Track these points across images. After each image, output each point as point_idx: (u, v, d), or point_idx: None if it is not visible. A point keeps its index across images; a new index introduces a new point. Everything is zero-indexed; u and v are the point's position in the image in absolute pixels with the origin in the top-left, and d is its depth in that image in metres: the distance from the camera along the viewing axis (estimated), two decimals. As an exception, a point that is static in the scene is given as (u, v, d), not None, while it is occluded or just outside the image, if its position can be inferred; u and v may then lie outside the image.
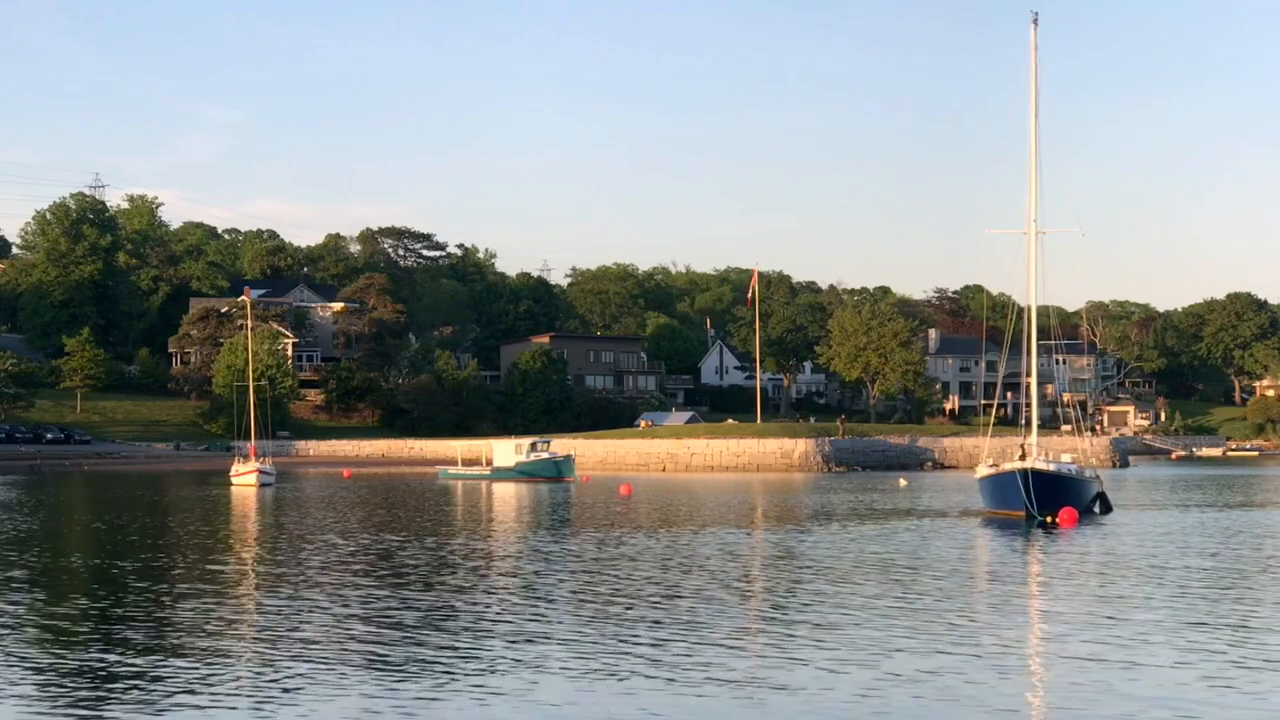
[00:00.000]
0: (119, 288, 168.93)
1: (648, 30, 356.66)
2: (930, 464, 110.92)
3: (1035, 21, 49.78)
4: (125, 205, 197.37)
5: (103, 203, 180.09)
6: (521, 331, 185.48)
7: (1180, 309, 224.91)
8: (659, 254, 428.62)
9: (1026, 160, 49.98)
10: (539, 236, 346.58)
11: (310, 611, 23.62)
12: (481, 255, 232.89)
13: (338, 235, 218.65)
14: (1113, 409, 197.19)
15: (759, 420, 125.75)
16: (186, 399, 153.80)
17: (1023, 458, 47.48)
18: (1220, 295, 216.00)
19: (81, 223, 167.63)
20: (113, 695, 16.59)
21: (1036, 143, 49.62)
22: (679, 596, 25.32)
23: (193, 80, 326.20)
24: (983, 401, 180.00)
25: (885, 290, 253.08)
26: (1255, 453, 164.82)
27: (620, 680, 17.33)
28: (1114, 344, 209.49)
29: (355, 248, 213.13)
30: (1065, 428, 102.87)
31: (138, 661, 18.82)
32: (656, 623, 22.00)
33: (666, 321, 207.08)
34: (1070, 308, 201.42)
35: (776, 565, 31.30)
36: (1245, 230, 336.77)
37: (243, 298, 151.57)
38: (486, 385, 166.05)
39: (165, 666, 18.42)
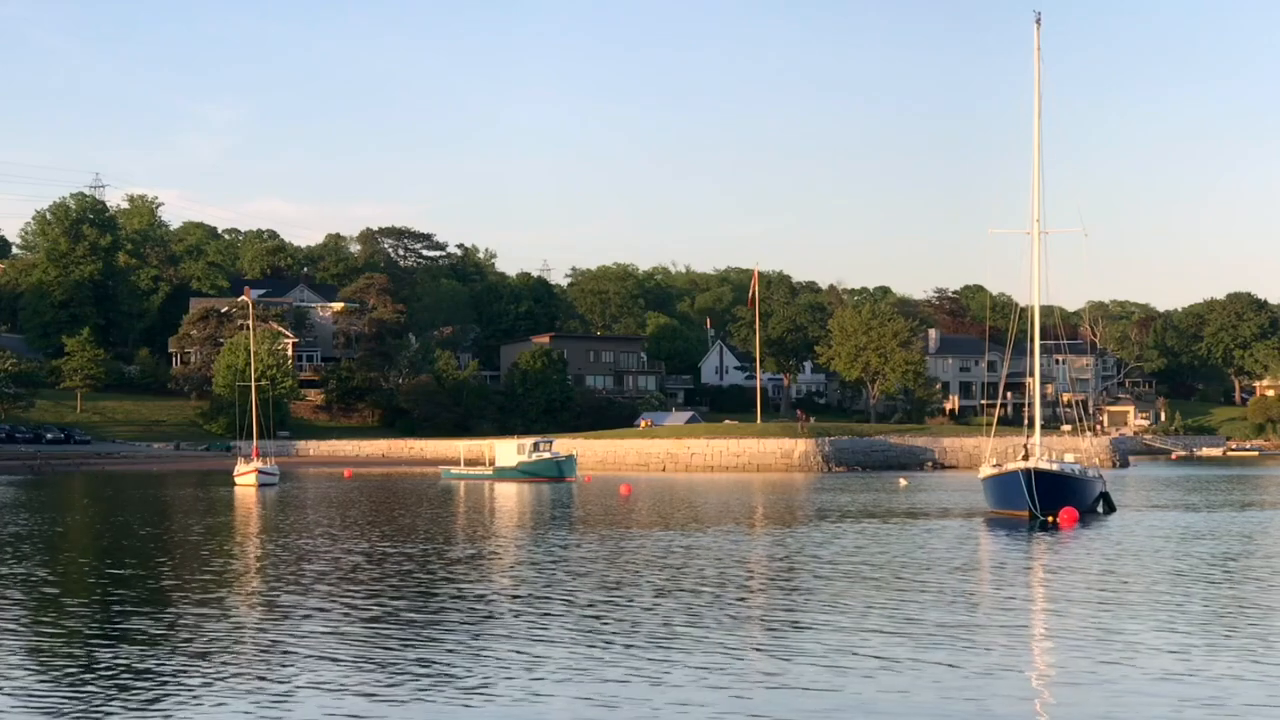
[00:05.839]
0: (119, 288, 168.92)
1: (648, 30, 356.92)
2: (930, 464, 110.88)
3: (1038, 21, 49.75)
4: (125, 205, 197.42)
5: (103, 203, 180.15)
6: (521, 331, 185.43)
7: (1180, 309, 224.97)
8: (659, 254, 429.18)
9: (1028, 160, 49.97)
10: (539, 236, 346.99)
11: (311, 612, 23.58)
12: (481, 255, 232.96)
13: (338, 235, 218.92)
14: (1113, 409, 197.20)
15: (759, 420, 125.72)
16: (186, 399, 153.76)
17: (1025, 457, 47.43)
18: (1220, 295, 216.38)
19: (81, 223, 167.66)
20: (111, 695, 16.55)
21: (1040, 143, 49.58)
22: (680, 597, 25.28)
23: (193, 80, 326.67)
24: (983, 401, 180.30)
25: (885, 290, 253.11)
26: (1255, 453, 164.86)
27: (620, 682, 17.29)
28: (1114, 344, 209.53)
29: (355, 248, 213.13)
30: (1065, 428, 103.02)
31: (136, 661, 18.78)
32: (657, 624, 21.96)
33: (666, 321, 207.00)
34: (1071, 308, 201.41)
35: (777, 566, 31.26)
36: (1246, 230, 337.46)
37: (243, 298, 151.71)
38: (486, 385, 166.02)
39: (164, 667, 18.39)
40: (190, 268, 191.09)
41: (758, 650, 19.49)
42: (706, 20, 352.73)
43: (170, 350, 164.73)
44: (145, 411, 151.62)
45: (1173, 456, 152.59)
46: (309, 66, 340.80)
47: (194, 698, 16.38)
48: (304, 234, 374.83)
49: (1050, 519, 43.90)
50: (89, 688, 17.00)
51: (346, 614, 23.28)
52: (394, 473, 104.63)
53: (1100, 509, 48.74)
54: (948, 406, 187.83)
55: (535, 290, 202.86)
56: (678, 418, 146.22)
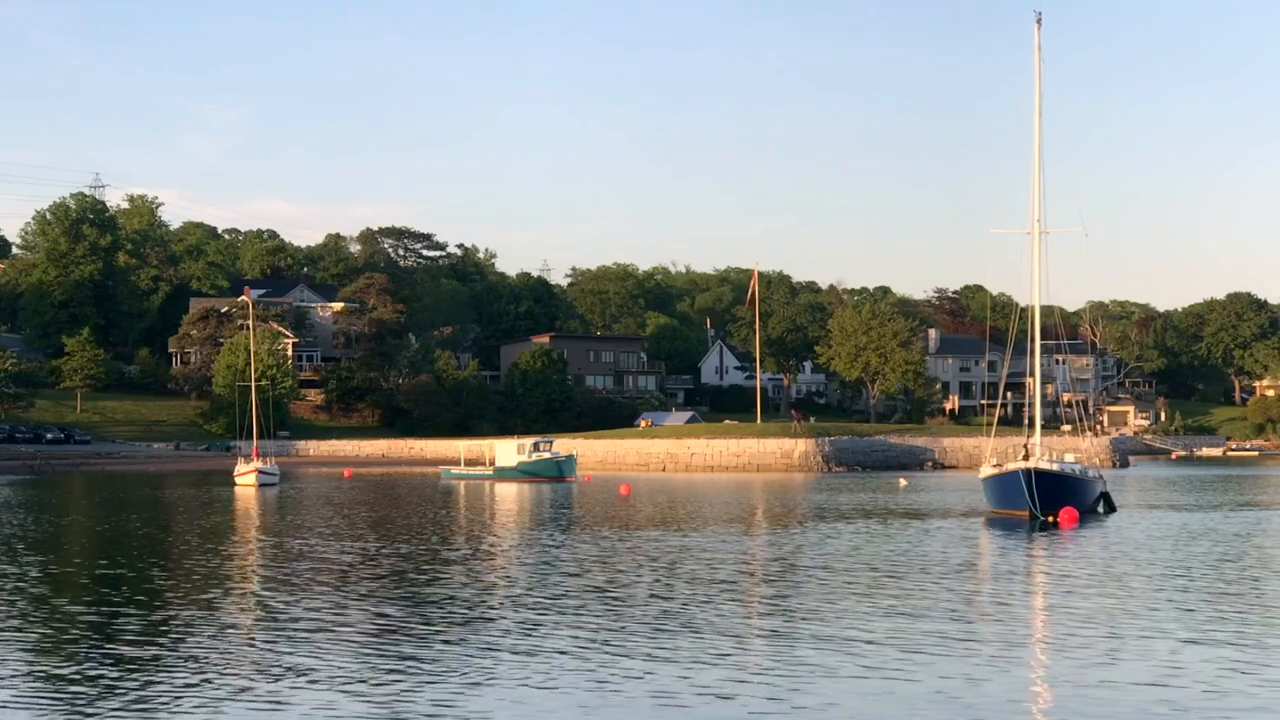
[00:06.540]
0: (119, 288, 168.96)
1: (648, 30, 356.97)
2: (930, 464, 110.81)
3: (1039, 21, 49.70)
4: (125, 205, 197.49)
5: (103, 203, 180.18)
6: (521, 331, 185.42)
7: (1180, 309, 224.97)
8: (659, 254, 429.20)
9: (1028, 160, 49.89)
10: (539, 236, 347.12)
11: (310, 613, 23.55)
12: (481, 255, 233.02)
13: (338, 235, 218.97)
14: (1113, 409, 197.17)
15: (759, 420, 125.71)
16: (186, 399, 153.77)
17: (1026, 457, 47.42)
18: (1220, 295, 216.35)
19: (81, 223, 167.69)
20: (103, 696, 16.52)
21: (1040, 143, 49.53)
22: (679, 598, 25.27)
23: (193, 80, 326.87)
24: (983, 401, 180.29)
25: (885, 290, 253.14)
26: (1255, 453, 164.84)
27: (613, 687, 17.28)
28: (1114, 344, 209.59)
29: (355, 248, 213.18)
30: (1065, 428, 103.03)
31: (129, 663, 18.76)
32: (653, 625, 21.94)
33: (666, 321, 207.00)
34: (1071, 308, 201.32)
35: (777, 566, 31.24)
36: (1246, 230, 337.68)
37: (243, 298, 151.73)
38: (486, 385, 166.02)
39: (157, 668, 18.37)
40: (190, 268, 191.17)
41: (753, 652, 19.47)
42: (706, 20, 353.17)
43: (170, 350, 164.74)
44: (145, 411, 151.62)
45: (1173, 457, 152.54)
46: (309, 66, 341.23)
47: (186, 700, 16.36)
48: (304, 234, 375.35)
49: (1050, 519, 43.88)
50: (78, 688, 16.97)
51: (344, 615, 23.26)
52: (394, 473, 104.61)
53: (1100, 509, 48.73)
54: (948, 406, 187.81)
55: (535, 290, 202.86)
56: (678, 418, 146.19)
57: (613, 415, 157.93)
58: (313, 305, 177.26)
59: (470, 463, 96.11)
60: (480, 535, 40.88)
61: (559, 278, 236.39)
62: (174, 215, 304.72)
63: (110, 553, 35.83)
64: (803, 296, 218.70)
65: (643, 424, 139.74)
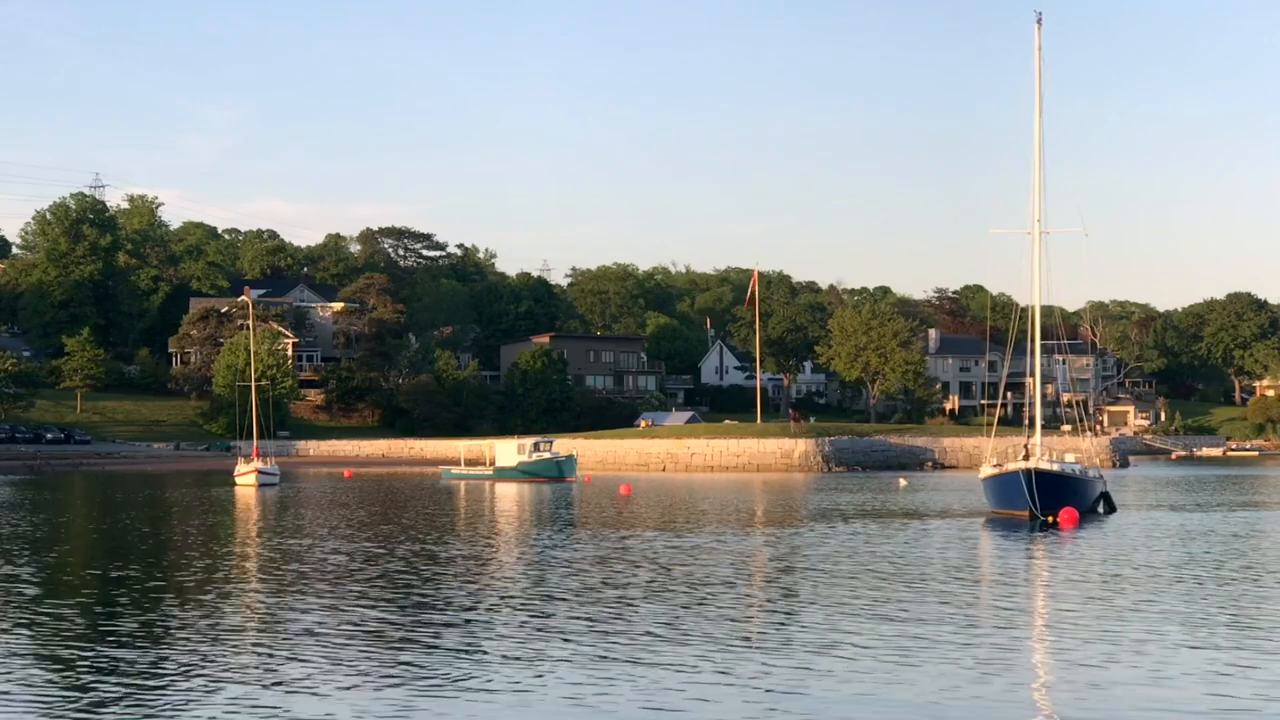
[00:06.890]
0: (119, 288, 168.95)
1: (648, 30, 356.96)
2: (930, 464, 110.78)
3: (1039, 21, 49.68)
4: (125, 205, 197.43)
5: (103, 203, 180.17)
6: (521, 331, 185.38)
7: (1180, 309, 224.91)
8: (659, 254, 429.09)
9: (1028, 160, 49.87)
10: (539, 236, 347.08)
11: (309, 613, 23.52)
12: (481, 255, 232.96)
13: (338, 235, 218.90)
14: (1113, 409, 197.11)
15: (759, 420, 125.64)
16: (186, 399, 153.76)
17: (1026, 457, 47.42)
18: (1220, 295, 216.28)
19: (81, 223, 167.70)
20: (101, 697, 16.50)
21: (1041, 143, 49.50)
22: (677, 600, 25.24)
23: (193, 80, 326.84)
24: (983, 401, 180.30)
25: (885, 290, 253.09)
26: (1255, 453, 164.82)
27: (613, 688, 17.26)
28: (1114, 344, 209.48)
29: (355, 248, 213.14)
30: (1065, 428, 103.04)
31: (127, 664, 18.73)
32: (651, 626, 21.92)
33: (666, 321, 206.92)
34: (1071, 308, 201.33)
35: (775, 567, 31.22)
36: (1246, 230, 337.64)
37: (243, 298, 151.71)
38: (486, 385, 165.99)
39: (152, 669, 18.34)
40: (190, 268, 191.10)
41: (748, 654, 19.44)
42: (706, 20, 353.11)
43: (170, 350, 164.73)
44: (145, 411, 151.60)
45: (1173, 457, 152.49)
46: (309, 66, 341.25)
47: (175, 700, 16.32)
48: (304, 234, 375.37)
49: (1050, 519, 43.87)
50: (69, 690, 16.93)
51: (339, 618, 23.22)
52: (394, 473, 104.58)
53: (1100, 509, 48.72)
54: (948, 406, 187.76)
55: (535, 290, 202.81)
56: (678, 418, 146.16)
57: (613, 415, 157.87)
58: (313, 305, 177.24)
59: (470, 463, 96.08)
60: (479, 536, 40.85)
61: (559, 278, 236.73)
62: (174, 215, 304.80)
63: (108, 553, 35.80)
64: (803, 296, 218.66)
65: (643, 424, 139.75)
